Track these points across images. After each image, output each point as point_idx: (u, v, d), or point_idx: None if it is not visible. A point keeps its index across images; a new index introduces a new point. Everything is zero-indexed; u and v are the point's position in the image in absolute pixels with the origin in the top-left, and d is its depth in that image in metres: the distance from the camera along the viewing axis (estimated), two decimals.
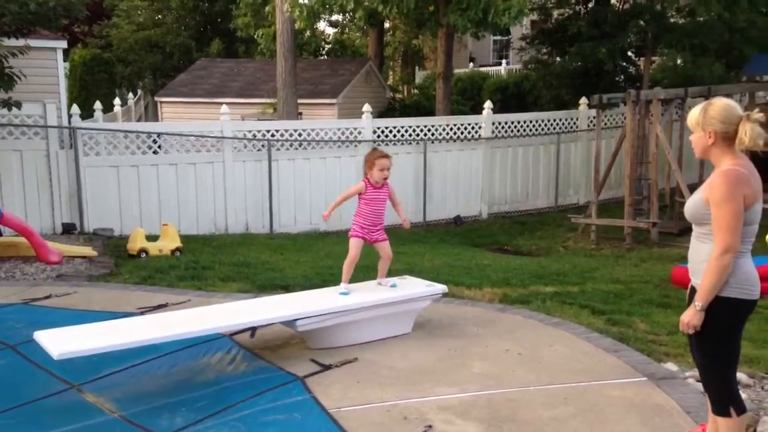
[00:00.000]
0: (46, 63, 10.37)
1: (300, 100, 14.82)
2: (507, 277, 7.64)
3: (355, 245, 4.86)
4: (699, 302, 2.90)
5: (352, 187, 4.95)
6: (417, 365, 4.42)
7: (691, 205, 3.02)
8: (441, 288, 5.04)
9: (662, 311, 6.38)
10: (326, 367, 4.30)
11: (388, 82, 23.33)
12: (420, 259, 9.19)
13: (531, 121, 14.03)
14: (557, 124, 14.32)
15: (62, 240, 9.30)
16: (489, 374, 4.29)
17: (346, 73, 17.23)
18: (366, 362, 4.44)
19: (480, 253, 10.74)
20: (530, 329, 5.22)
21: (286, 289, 6.38)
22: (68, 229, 9.99)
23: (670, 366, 4.56)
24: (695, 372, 4.02)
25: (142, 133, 10.74)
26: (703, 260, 2.94)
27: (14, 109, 9.44)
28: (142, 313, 5.32)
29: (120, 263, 7.82)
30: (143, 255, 8.23)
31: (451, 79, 16.03)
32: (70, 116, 10.28)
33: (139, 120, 18.89)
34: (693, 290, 3.08)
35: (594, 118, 14.01)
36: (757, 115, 2.85)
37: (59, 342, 3.70)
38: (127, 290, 6.18)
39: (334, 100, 16.02)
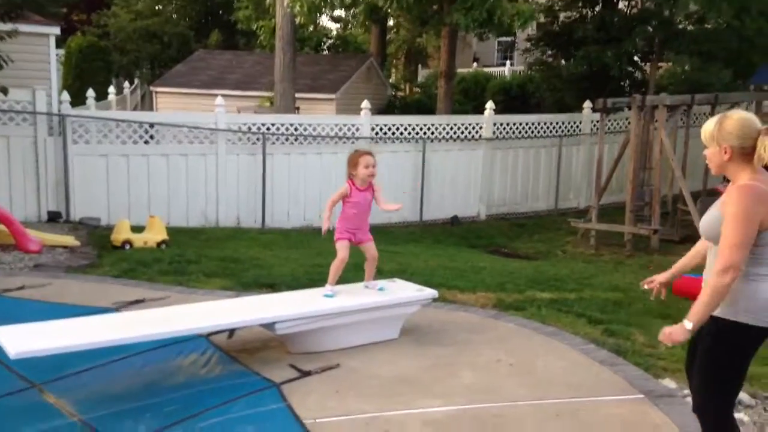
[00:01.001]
0: (38, 49, 10.14)
1: (298, 95, 14.57)
2: (502, 282, 7.39)
3: (343, 247, 4.60)
4: (690, 321, 2.69)
5: (337, 191, 4.69)
6: (402, 374, 4.16)
7: (708, 221, 2.82)
8: (431, 293, 4.78)
9: (661, 322, 6.06)
10: (305, 374, 4.04)
11: (391, 80, 23.09)
12: (414, 259, 8.93)
13: (533, 123, 13.78)
14: (560, 127, 14.07)
15: (47, 228, 9.04)
16: (478, 386, 4.04)
17: (346, 69, 16.97)
18: (348, 369, 4.18)
19: (476, 255, 10.48)
20: (524, 338, 4.97)
21: (272, 287, 6.13)
22: (54, 217, 9.74)
23: (668, 383, 4.31)
24: None
25: (133, 122, 10.48)
26: None
27: (2, 95, 9.21)
28: (116, 309, 5.09)
29: (103, 254, 7.56)
30: (127, 247, 7.97)
31: (453, 79, 15.78)
32: (60, 103, 10.02)
33: (135, 109, 18.63)
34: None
35: (597, 122, 13.78)
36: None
37: (18, 340, 3.45)
38: (104, 283, 5.93)
39: (332, 96, 15.77)
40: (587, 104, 14.24)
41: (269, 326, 4.12)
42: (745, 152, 2.68)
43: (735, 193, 2.65)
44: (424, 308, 5.02)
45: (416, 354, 4.50)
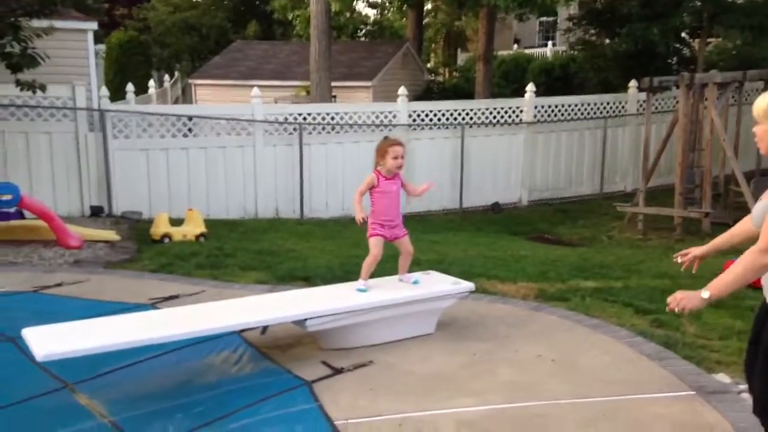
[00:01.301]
0: (77, 45, 10.24)
1: (334, 83, 14.45)
2: (545, 270, 7.15)
3: (376, 244, 4.46)
4: (708, 291, 2.54)
5: (364, 181, 4.54)
6: (437, 371, 4.02)
7: (760, 208, 2.58)
8: (468, 286, 4.61)
9: (713, 311, 5.80)
10: (337, 371, 3.93)
11: (429, 65, 22.77)
12: (453, 248, 8.75)
13: (576, 105, 13.37)
14: (604, 108, 13.63)
15: (89, 223, 9.18)
16: (517, 384, 3.87)
17: (382, 56, 16.76)
18: (381, 366, 4.06)
19: (518, 243, 10.24)
20: (566, 331, 4.76)
21: (307, 280, 6.05)
22: (96, 212, 9.88)
23: (722, 377, 4.06)
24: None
25: (171, 115, 10.54)
26: None
27: (40, 92, 9.33)
28: (152, 305, 5.07)
29: (143, 248, 7.61)
30: (167, 240, 8.01)
31: (492, 62, 15.44)
32: (99, 98, 10.13)
33: (175, 102, 18.83)
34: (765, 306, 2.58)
35: (644, 102, 13.30)
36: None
37: (46, 341, 3.42)
38: (141, 279, 5.94)
39: (369, 83, 15.60)
40: (633, 83, 13.75)
41: (300, 323, 4.02)
42: None
43: None
44: (461, 300, 4.86)
45: (452, 350, 4.34)
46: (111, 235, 7.95)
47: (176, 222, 8.57)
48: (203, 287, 5.61)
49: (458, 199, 12.37)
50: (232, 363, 4.07)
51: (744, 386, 3.89)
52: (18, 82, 8.15)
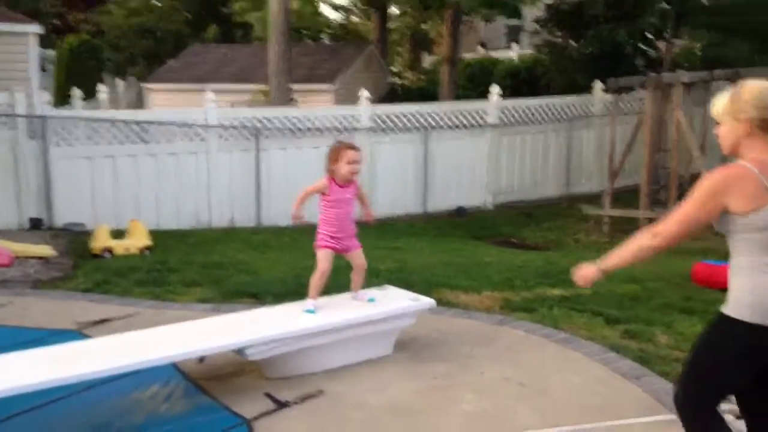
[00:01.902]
0: (17, 48, 9.59)
1: (295, 86, 13.95)
2: (510, 277, 6.80)
3: (324, 257, 4.04)
4: (603, 265, 2.72)
5: (316, 183, 4.13)
6: (394, 401, 3.60)
7: None
8: (428, 302, 4.21)
9: (686, 318, 5.53)
10: (282, 405, 3.49)
11: (394, 68, 22.39)
12: (415, 255, 8.36)
13: (541, 107, 13.12)
14: (569, 110, 13.41)
15: (27, 237, 8.54)
16: (483, 413, 3.47)
17: (345, 58, 16.30)
18: (332, 397, 3.62)
19: (482, 248, 9.90)
20: (534, 349, 4.38)
21: (255, 297, 5.59)
22: (36, 225, 9.24)
23: None
24: (734, 406, 3.18)
25: (118, 121, 9.94)
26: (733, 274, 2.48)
27: None
28: (78, 331, 4.56)
29: (80, 264, 7.04)
30: (107, 255, 7.45)
31: (457, 64, 15.14)
32: (41, 104, 9.48)
33: (129, 108, 18.09)
34: None
35: (609, 103, 13.14)
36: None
37: None
38: (70, 300, 5.40)
39: (330, 86, 15.12)
40: (598, 85, 13.57)
41: (240, 351, 3.56)
42: (764, 125, 2.42)
43: (715, 171, 2.42)
44: (424, 315, 4.46)
45: (411, 374, 3.93)
46: (45, 250, 7.36)
47: (121, 234, 8.01)
48: (138, 308, 5.11)
49: (422, 204, 12.00)
50: (161, 399, 3.58)
51: (726, 406, 3.56)
52: None
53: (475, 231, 11.17)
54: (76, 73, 16.32)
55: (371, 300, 4.15)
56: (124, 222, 8.97)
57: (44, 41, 20.00)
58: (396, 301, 4.17)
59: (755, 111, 2.41)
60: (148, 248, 7.75)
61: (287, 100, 13.24)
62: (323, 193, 4.05)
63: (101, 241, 7.49)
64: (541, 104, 13.18)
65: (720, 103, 2.52)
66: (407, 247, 8.87)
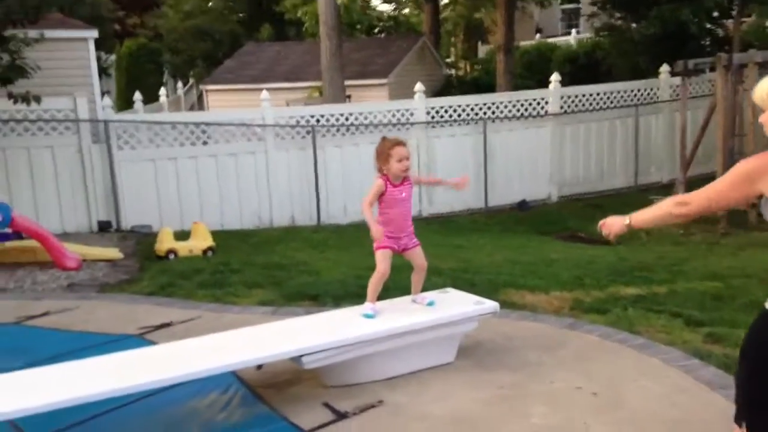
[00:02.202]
0: (77, 54, 9.84)
1: (348, 82, 13.85)
2: (579, 275, 6.51)
3: (383, 258, 3.90)
4: (629, 219, 2.72)
5: (371, 189, 3.97)
6: (457, 412, 3.42)
7: None
8: (491, 306, 4.01)
9: None
10: (341, 416, 3.37)
11: (449, 60, 22.07)
12: (478, 253, 8.14)
13: (605, 93, 12.61)
14: (635, 96, 12.85)
15: (96, 239, 8.77)
16: (553, 427, 3.26)
17: (397, 51, 16.10)
18: (392, 407, 3.48)
19: (548, 243, 9.58)
20: (608, 355, 4.12)
21: (315, 299, 5.50)
22: (104, 228, 9.47)
23: None
24: None
25: (178, 123, 10.07)
26: None
27: (44, 104, 8.96)
28: (139, 336, 4.57)
29: (146, 266, 7.14)
30: (172, 256, 7.54)
31: (513, 52, 14.72)
32: (103, 109, 9.70)
33: (190, 110, 18.45)
34: None
35: (677, 87, 12.53)
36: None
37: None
38: (135, 304, 5.44)
39: (384, 80, 14.96)
40: (664, 68, 12.96)
41: (296, 359, 3.46)
42: None
43: (752, 157, 2.32)
44: (485, 320, 4.26)
45: (476, 383, 3.74)
46: (113, 253, 7.51)
47: (185, 236, 8.09)
48: (200, 311, 5.10)
49: (483, 198, 11.72)
50: (219, 408, 3.52)
51: None
52: (10, 95, 7.74)
53: (539, 226, 10.83)
54: (135, 77, 16.70)
55: (431, 304, 3.98)
56: (189, 223, 9.10)
57: (105, 46, 20.58)
58: (458, 305, 3.99)
59: None
60: (210, 249, 7.80)
61: (342, 96, 13.16)
62: (381, 193, 3.90)
63: (165, 243, 7.58)
64: (605, 91, 12.66)
65: (762, 89, 2.33)
66: (469, 244, 8.65)
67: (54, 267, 6.72)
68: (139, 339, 4.50)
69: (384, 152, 3.85)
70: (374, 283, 3.89)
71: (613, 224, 2.79)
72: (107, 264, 7.06)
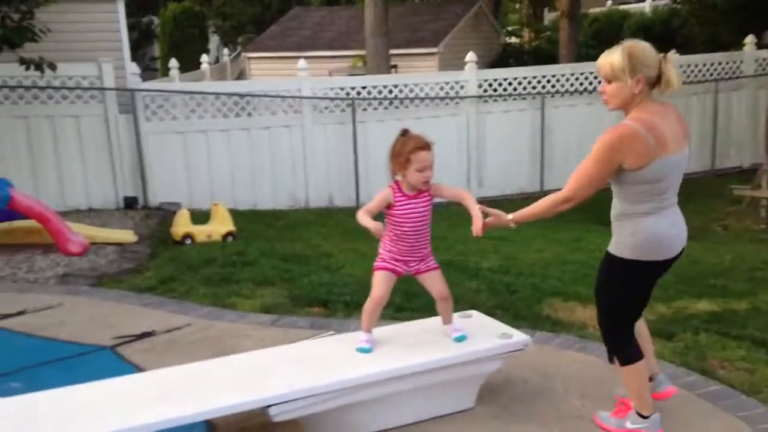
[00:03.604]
0: (106, 17, 9.26)
1: (395, 51, 12.88)
2: None
3: (380, 281, 3.12)
4: (513, 217, 2.93)
5: (376, 196, 3.16)
6: None
7: None
8: (520, 342, 3.17)
9: None
10: None
11: (510, 28, 20.75)
12: (525, 248, 7.25)
13: (680, 67, 11.29)
14: (714, 70, 11.48)
15: (120, 217, 8.29)
16: None
17: (450, 17, 14.93)
18: None
19: (608, 237, 8.52)
20: (672, 407, 3.24)
21: (325, 305, 4.78)
22: (130, 204, 8.98)
23: None
24: None
25: (209, 94, 9.45)
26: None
27: (68, 70, 8.48)
28: (112, 348, 3.95)
29: (157, 253, 6.57)
30: (188, 241, 6.95)
31: (580, 19, 13.47)
32: (131, 75, 9.14)
33: (238, 78, 17.87)
34: None
35: (764, 61, 11.16)
36: (674, 55, 2.73)
37: None
38: (123, 303, 4.83)
39: (434, 49, 13.88)
40: (750, 39, 11.53)
41: (263, 410, 2.73)
42: (651, 82, 2.67)
43: (607, 132, 2.67)
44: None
45: None
46: (126, 235, 6.97)
47: (206, 218, 7.48)
48: (190, 318, 4.44)
49: (538, 181, 10.73)
50: None
51: None
52: (22, 61, 7.21)
53: (600, 214, 9.60)
54: (179, 43, 16.17)
55: (460, 339, 3.14)
56: (221, 200, 8.51)
57: (155, 10, 20.11)
58: (478, 339, 3.16)
59: (647, 69, 2.64)
60: (231, 234, 7.17)
61: (386, 66, 12.24)
62: (388, 206, 3.10)
63: (181, 227, 6.99)
64: (681, 63, 11.34)
65: (613, 60, 2.66)
66: (516, 236, 7.73)
67: (58, 251, 6.22)
68: (111, 353, 3.87)
69: (403, 154, 3.02)
70: (368, 312, 3.12)
71: (488, 225, 2.94)
72: (115, 249, 6.51)
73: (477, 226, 2.97)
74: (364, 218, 3.04)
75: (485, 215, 2.97)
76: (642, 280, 2.89)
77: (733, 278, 6.00)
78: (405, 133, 3.11)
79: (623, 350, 2.88)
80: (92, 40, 9.04)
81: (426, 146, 3.02)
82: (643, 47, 2.67)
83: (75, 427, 2.47)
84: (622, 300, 2.90)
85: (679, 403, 3.27)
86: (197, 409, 2.57)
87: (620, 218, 2.78)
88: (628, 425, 2.89)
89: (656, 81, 2.65)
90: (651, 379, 3.04)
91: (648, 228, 2.73)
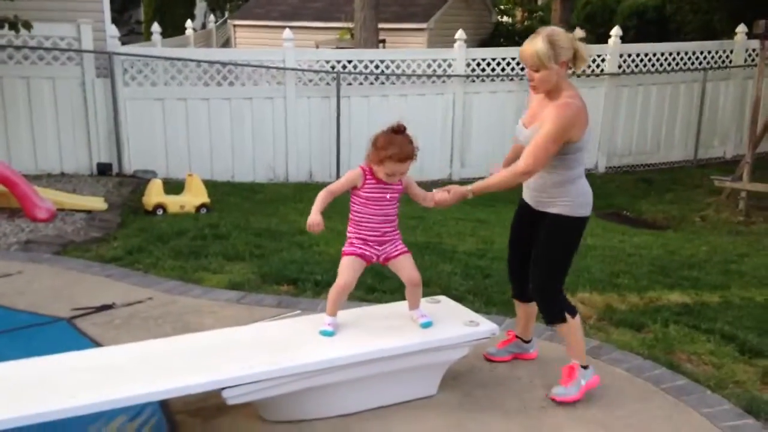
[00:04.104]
0: None
1: (384, 25, 12.65)
2: (616, 272, 5.54)
3: (347, 267, 3.01)
4: (472, 189, 3.03)
5: (344, 176, 3.06)
6: None
7: (526, 136, 3.05)
8: (487, 330, 3.10)
9: None
10: None
11: (503, 6, 20.51)
12: (503, 231, 7.09)
13: (670, 54, 11.20)
14: (704, 58, 11.40)
15: (91, 183, 8.13)
16: None
17: None
18: None
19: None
20: (637, 401, 3.19)
21: (294, 283, 4.68)
22: (103, 170, 8.79)
23: None
24: None
25: (190, 60, 9.21)
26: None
27: (46, 30, 8.23)
28: (69, 320, 3.83)
29: (127, 222, 6.43)
30: (160, 212, 6.81)
31: (573, 1, 13.28)
32: (109, 39, 8.89)
33: (224, 46, 17.52)
34: None
35: (754, 51, 11.08)
36: (580, 32, 2.95)
37: None
38: (86, 273, 4.71)
39: (424, 25, 13.66)
40: (741, 28, 11.44)
41: (217, 391, 2.64)
42: (570, 64, 2.93)
43: (558, 111, 2.86)
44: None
45: (460, 428, 2.88)
46: (96, 203, 6.81)
47: (180, 189, 7.34)
48: (153, 291, 4.33)
49: None
50: None
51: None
52: None
53: None
54: (164, 7, 15.76)
55: (426, 325, 3.07)
56: (198, 170, 8.36)
57: None
58: (445, 325, 3.09)
59: (567, 52, 2.86)
60: (204, 206, 7.04)
61: (374, 41, 12.03)
62: (355, 187, 3.00)
63: (153, 197, 6.84)
64: (671, 50, 11.25)
65: (537, 50, 2.83)
66: (496, 219, 7.67)
67: (24, 216, 6.06)
68: (68, 325, 3.76)
69: (380, 153, 2.90)
70: (332, 299, 3.02)
71: (448, 198, 3.02)
72: (84, 217, 6.36)
73: (431, 196, 3.06)
74: (317, 204, 2.94)
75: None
76: (581, 235, 3.15)
77: (706, 270, 5.98)
78: (396, 130, 2.97)
79: (567, 307, 3.13)
80: (71, 0, 8.79)
81: (405, 158, 2.90)
82: (560, 32, 2.90)
83: (16, 406, 2.37)
84: (567, 259, 3.12)
85: (644, 396, 3.23)
86: (148, 389, 2.47)
87: (562, 185, 2.99)
88: (583, 382, 3.11)
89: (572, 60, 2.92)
90: (527, 341, 3.47)
91: (585, 187, 3.05)
